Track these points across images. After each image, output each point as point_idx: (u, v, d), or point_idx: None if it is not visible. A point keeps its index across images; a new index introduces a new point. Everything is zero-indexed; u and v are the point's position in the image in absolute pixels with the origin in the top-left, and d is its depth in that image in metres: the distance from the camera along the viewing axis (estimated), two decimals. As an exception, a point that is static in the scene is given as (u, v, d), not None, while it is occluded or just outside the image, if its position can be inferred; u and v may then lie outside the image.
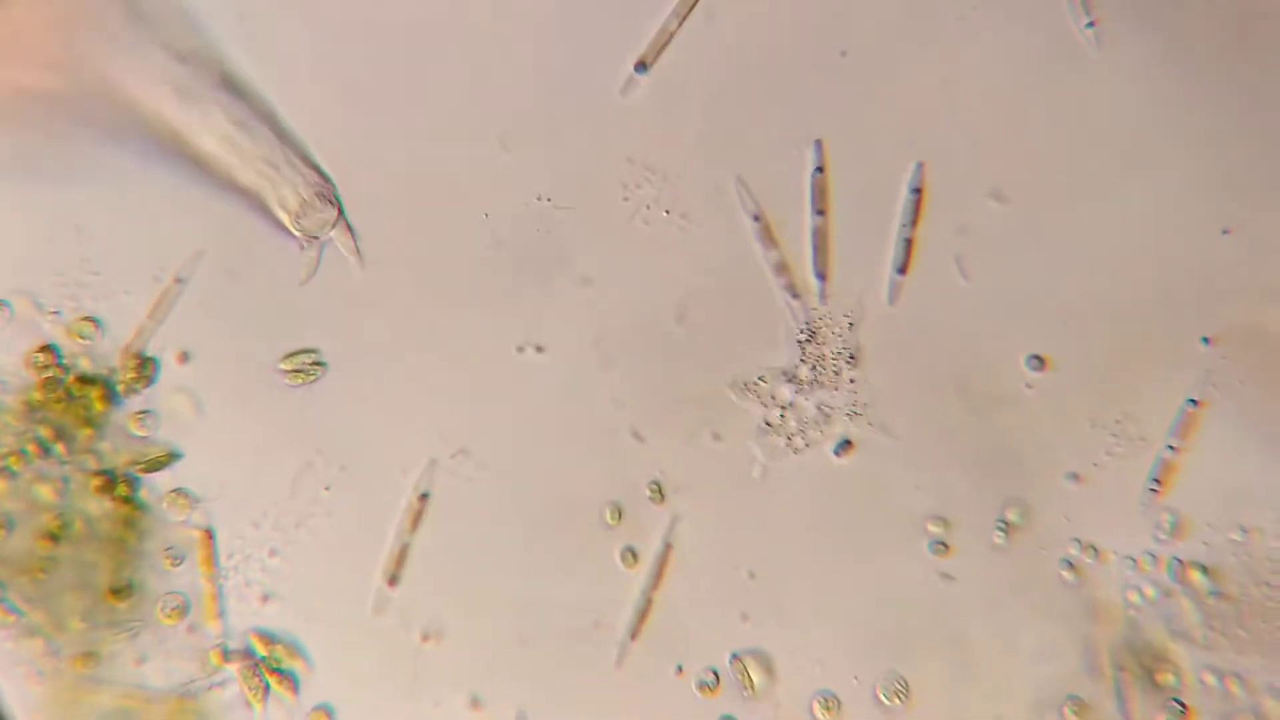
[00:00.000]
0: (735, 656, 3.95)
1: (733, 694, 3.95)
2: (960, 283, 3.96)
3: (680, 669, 3.96)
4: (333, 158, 3.94)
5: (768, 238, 3.93)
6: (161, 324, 3.90)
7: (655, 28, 3.94)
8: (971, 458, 3.96)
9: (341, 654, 3.95)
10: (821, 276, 3.94)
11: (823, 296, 3.94)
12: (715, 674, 3.95)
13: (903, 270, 3.92)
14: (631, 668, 3.95)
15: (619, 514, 3.95)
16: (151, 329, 3.89)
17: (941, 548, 3.94)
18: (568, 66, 3.96)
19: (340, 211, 3.91)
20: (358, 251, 3.91)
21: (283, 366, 3.92)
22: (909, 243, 3.91)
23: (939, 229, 3.96)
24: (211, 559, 3.90)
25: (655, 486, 3.95)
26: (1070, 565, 3.92)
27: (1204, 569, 3.91)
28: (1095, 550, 3.92)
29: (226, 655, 3.91)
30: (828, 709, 3.93)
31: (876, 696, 3.93)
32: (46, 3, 3.88)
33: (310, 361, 3.92)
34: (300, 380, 3.92)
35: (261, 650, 3.92)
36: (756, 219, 3.94)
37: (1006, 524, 3.93)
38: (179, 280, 3.90)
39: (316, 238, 3.91)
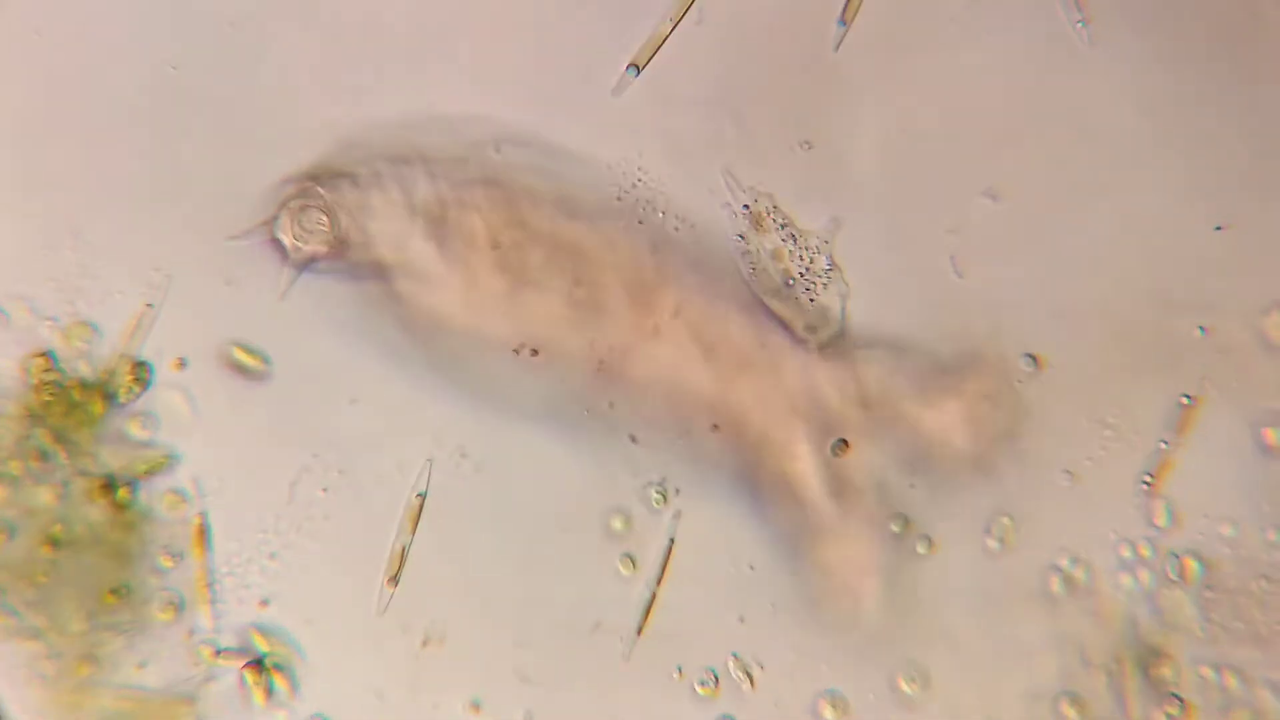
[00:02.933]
0: (735, 656, 3.95)
1: (732, 694, 3.95)
2: (954, 280, 3.97)
3: (680, 670, 3.96)
4: (329, 156, 3.94)
5: (757, 226, 3.94)
6: (142, 345, 3.89)
7: (648, 29, 3.95)
8: (967, 454, 3.97)
9: (341, 657, 3.94)
10: (844, 22, 3.94)
11: (838, 45, 3.93)
12: (714, 674, 3.95)
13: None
14: (632, 669, 3.95)
15: (623, 518, 3.95)
16: (132, 350, 3.88)
17: (928, 543, 3.95)
18: (560, 67, 3.97)
19: (333, 233, 3.91)
20: (283, 289, 3.91)
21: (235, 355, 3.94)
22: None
23: (933, 227, 3.97)
24: (204, 545, 3.89)
25: (659, 489, 3.95)
26: (1066, 561, 3.93)
27: (1200, 562, 3.92)
28: (1091, 546, 3.93)
29: (219, 651, 3.91)
30: (834, 708, 3.93)
31: (877, 696, 3.94)
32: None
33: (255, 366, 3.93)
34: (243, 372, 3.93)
35: (260, 647, 3.92)
36: (747, 208, 3.95)
37: (1002, 520, 3.94)
38: (150, 306, 3.90)
39: (301, 244, 3.90)
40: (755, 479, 3.94)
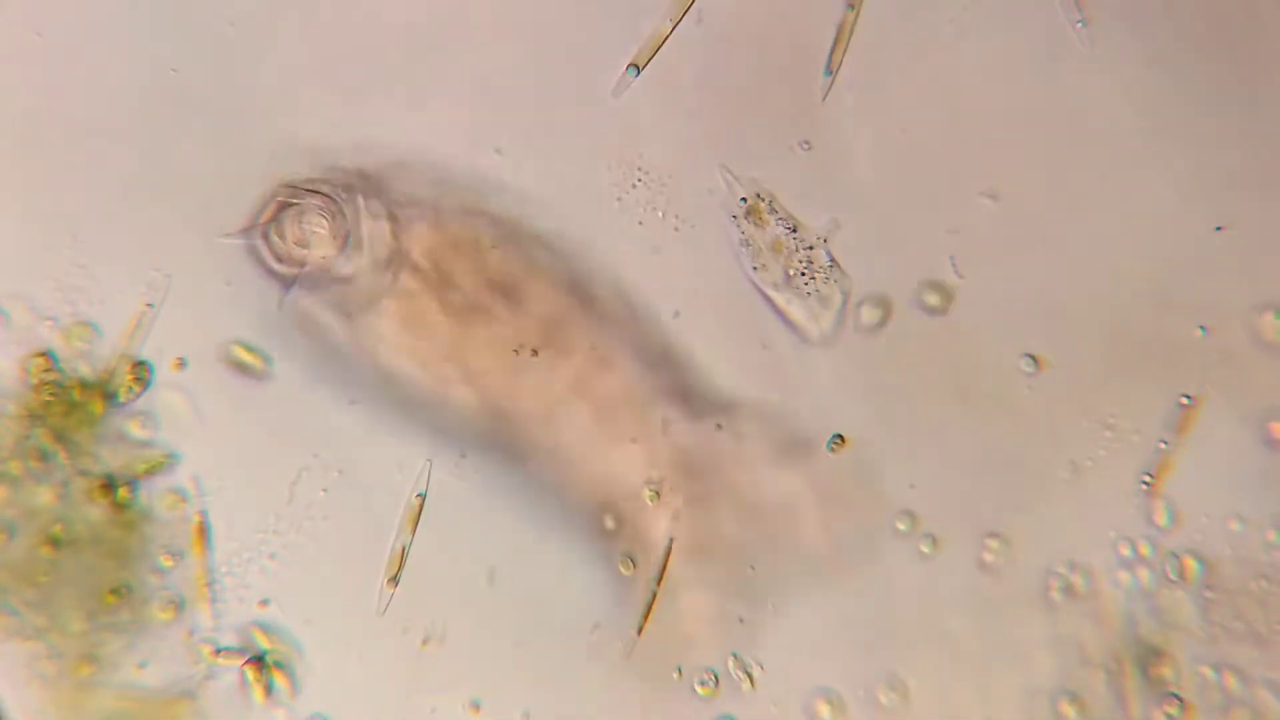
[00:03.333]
0: (735, 656, 3.96)
1: (731, 694, 3.96)
2: (955, 281, 3.97)
3: (680, 670, 3.96)
4: (328, 160, 3.94)
5: (756, 219, 3.94)
6: (142, 344, 3.90)
7: (648, 29, 3.96)
8: (967, 455, 3.97)
9: (341, 657, 3.95)
10: (830, 71, 3.94)
11: (825, 95, 3.94)
12: (714, 675, 3.95)
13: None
14: (630, 670, 3.95)
15: (618, 517, 3.95)
16: (132, 349, 3.89)
17: (932, 541, 3.95)
18: (560, 67, 3.97)
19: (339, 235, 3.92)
20: (281, 300, 3.92)
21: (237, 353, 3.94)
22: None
23: (933, 228, 3.97)
24: (204, 545, 3.90)
25: (652, 489, 3.95)
26: (1065, 561, 3.93)
27: (1200, 562, 3.92)
28: (1090, 546, 3.93)
29: (219, 650, 3.91)
30: (832, 708, 3.94)
31: (876, 696, 3.94)
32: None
33: (256, 363, 3.93)
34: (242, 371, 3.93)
35: (262, 644, 3.92)
36: (744, 201, 3.95)
37: (1003, 520, 3.94)
38: (150, 305, 3.90)
39: (303, 264, 3.91)
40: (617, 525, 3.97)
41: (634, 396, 3.93)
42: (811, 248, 3.91)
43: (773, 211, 3.93)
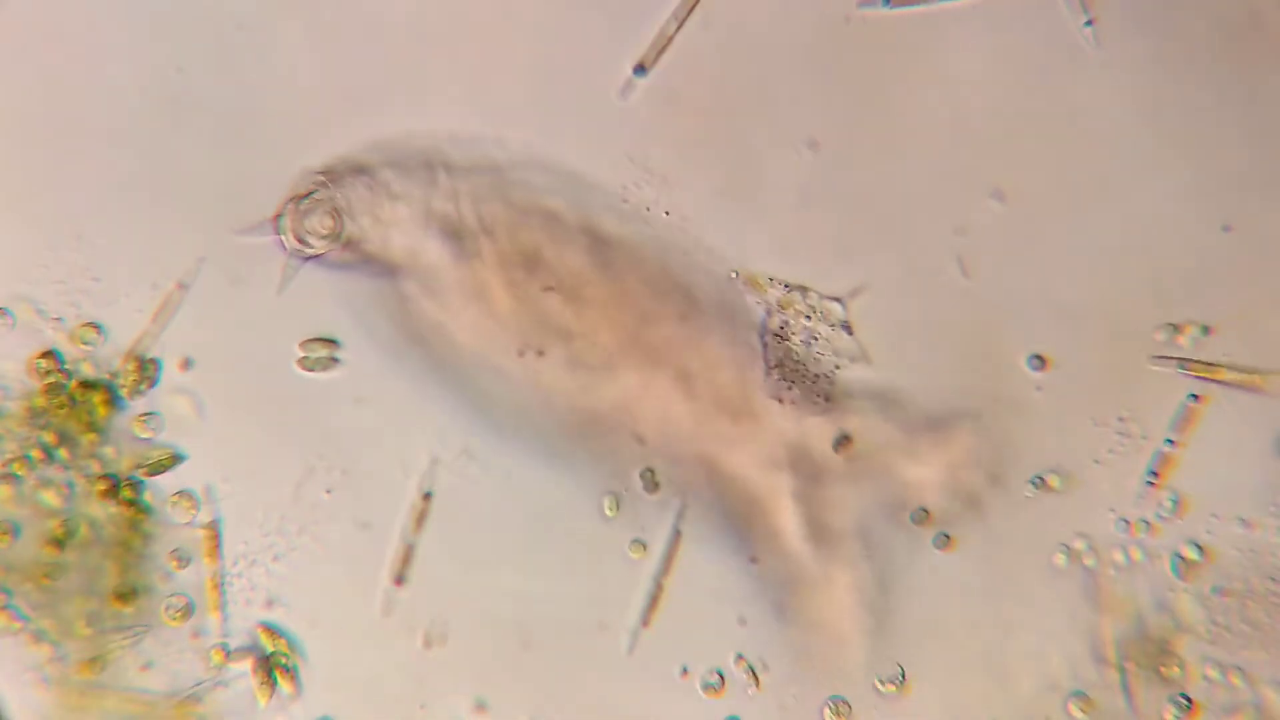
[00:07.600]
0: (740, 657, 3.96)
1: (738, 694, 3.96)
2: (961, 282, 3.97)
3: (685, 670, 3.96)
4: (331, 161, 3.95)
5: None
6: (165, 328, 3.90)
7: (654, 30, 3.95)
8: (973, 455, 3.97)
9: (346, 658, 3.95)
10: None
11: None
12: (720, 675, 3.95)
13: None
14: (635, 670, 3.95)
15: (616, 505, 3.95)
16: (155, 333, 3.90)
17: (944, 539, 3.95)
18: (566, 68, 3.97)
19: (337, 235, 3.91)
20: (281, 283, 3.91)
21: (300, 353, 3.92)
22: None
23: (939, 229, 3.97)
24: (216, 552, 3.90)
25: (649, 474, 3.94)
26: (1073, 561, 3.93)
27: (1207, 562, 3.92)
28: (1097, 546, 3.93)
29: (228, 654, 3.91)
30: (837, 713, 3.94)
31: (884, 697, 3.94)
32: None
33: (327, 355, 3.93)
34: (310, 368, 3.92)
35: (267, 647, 3.92)
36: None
37: (1010, 521, 3.94)
38: (182, 286, 3.91)
39: (304, 244, 3.90)
40: (743, 530, 3.96)
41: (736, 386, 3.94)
42: (826, 313, 3.94)
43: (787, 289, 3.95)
